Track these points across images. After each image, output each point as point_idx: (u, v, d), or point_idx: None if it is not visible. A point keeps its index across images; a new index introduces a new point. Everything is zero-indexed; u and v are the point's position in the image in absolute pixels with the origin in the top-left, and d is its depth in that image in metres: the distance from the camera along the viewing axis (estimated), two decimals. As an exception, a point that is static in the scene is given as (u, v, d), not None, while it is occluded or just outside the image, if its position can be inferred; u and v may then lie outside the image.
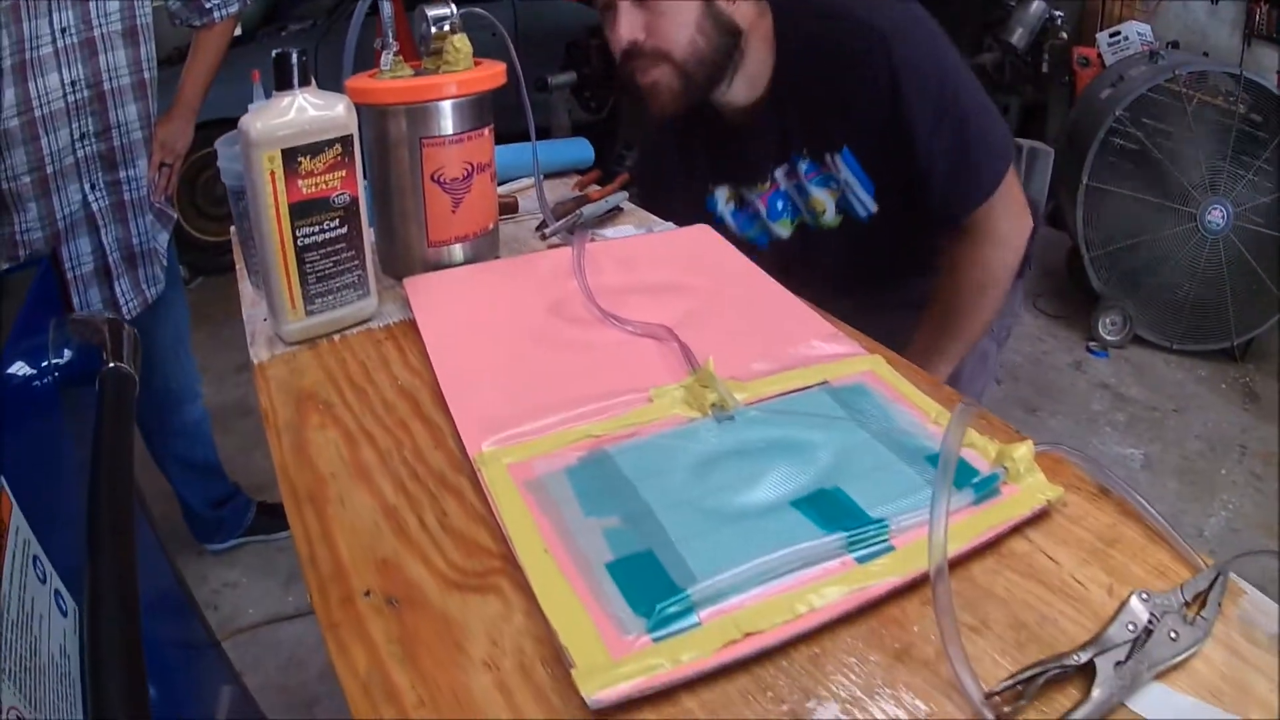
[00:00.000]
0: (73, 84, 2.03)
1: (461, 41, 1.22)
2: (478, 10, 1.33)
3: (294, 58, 1.04)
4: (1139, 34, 5.07)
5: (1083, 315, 4.37)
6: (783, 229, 1.67)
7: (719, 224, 1.65)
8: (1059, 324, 4.53)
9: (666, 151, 1.75)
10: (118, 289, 2.26)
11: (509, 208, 1.58)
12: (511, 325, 1.11)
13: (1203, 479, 3.35)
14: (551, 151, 1.84)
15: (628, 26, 1.37)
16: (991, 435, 0.84)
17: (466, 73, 1.22)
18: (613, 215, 1.58)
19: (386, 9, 1.28)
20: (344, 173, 1.07)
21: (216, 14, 2.36)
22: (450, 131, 1.22)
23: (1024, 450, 0.78)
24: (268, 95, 1.06)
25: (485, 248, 1.32)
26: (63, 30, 1.98)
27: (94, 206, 2.17)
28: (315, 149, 1.05)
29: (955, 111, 1.45)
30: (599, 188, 1.71)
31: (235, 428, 3.54)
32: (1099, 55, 4.99)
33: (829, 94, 1.46)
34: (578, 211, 1.49)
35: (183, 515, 2.94)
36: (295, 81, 1.05)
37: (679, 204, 1.62)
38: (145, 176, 2.25)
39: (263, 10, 5.87)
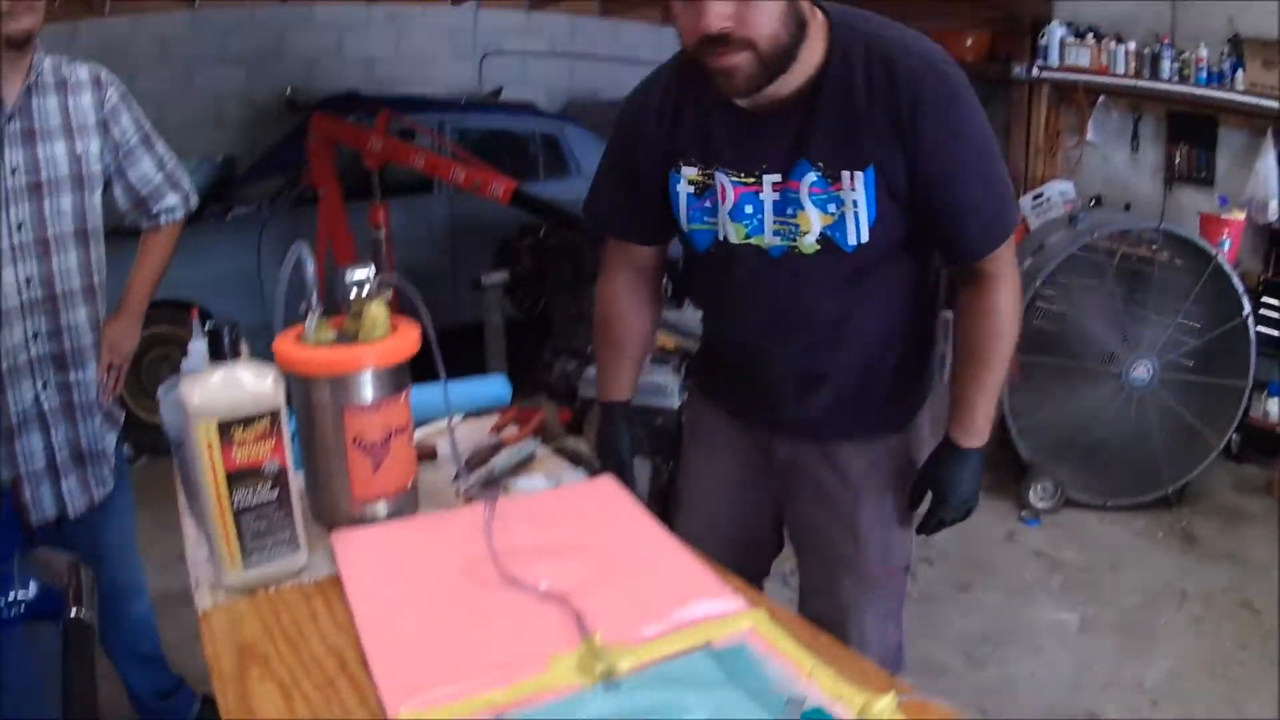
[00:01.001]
0: (27, 281, 2.13)
1: (378, 309, 1.36)
2: (392, 279, 1.45)
3: (226, 334, 1.20)
4: (1061, 193, 5.31)
5: (1013, 484, 4.38)
6: (735, 234, 1.62)
7: (671, 200, 1.68)
8: (989, 495, 4.48)
9: (650, 111, 1.68)
10: (64, 487, 2.31)
11: (427, 454, 1.68)
12: (429, 586, 1.23)
13: (1142, 631, 3.40)
14: (467, 392, 1.94)
15: (719, 15, 1.35)
16: (864, 684, 0.95)
17: (384, 343, 1.36)
18: (525, 464, 1.68)
19: (309, 267, 1.43)
20: (273, 441, 1.22)
21: (163, 219, 2.44)
22: (369, 400, 1.35)
23: (887, 701, 0.89)
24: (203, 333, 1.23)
25: (406, 503, 1.45)
26: (18, 226, 2.09)
27: (44, 405, 2.23)
28: (247, 421, 1.20)
29: (990, 149, 1.55)
30: (516, 428, 1.82)
31: (179, 616, 3.51)
32: (1024, 219, 5.18)
33: (877, 107, 1.47)
34: (490, 465, 1.60)
35: (130, 703, 2.94)
36: (228, 354, 1.20)
37: (643, 166, 1.68)
38: (94, 380, 2.32)
39: (211, 187, 6.06)
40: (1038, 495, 4.29)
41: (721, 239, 1.64)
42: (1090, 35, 5.64)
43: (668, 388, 3.23)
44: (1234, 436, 4.47)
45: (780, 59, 1.42)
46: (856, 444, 1.78)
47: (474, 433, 1.81)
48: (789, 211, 1.56)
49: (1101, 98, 5.78)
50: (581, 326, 3.86)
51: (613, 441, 1.91)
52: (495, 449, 1.68)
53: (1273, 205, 4.84)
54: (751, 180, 1.57)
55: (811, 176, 1.52)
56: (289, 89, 6.89)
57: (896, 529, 1.82)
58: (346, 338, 1.37)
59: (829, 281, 1.61)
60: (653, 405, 3.18)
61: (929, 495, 1.78)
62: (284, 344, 1.36)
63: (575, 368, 3.39)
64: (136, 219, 2.45)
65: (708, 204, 1.63)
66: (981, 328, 1.66)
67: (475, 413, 1.93)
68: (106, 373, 2.36)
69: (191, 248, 2.25)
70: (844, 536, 1.79)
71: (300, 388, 1.36)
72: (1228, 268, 4.17)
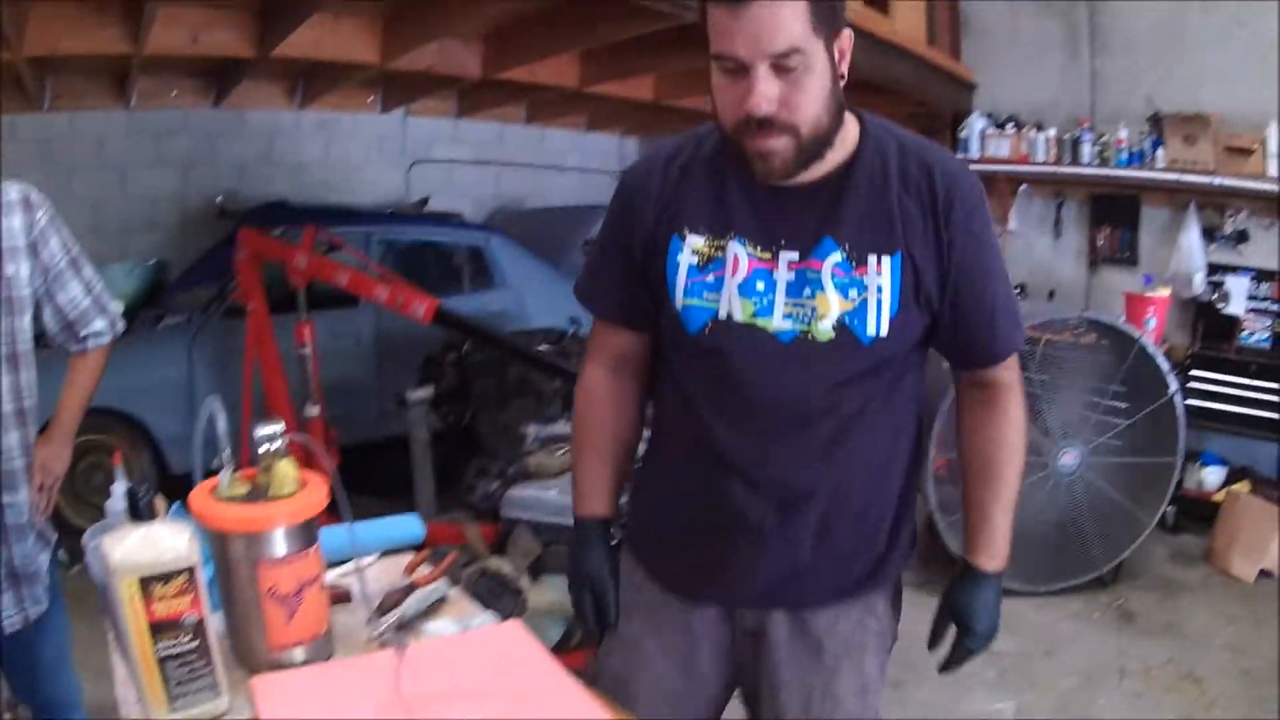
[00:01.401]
0: None
1: (287, 466, 1.40)
2: (299, 438, 1.51)
3: (141, 496, 1.28)
4: (985, 286, 5.44)
5: (942, 579, 4.37)
6: (742, 311, 1.49)
7: (667, 272, 1.55)
8: (921, 591, 4.49)
9: (655, 174, 1.60)
10: None
11: (342, 596, 1.69)
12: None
13: (1081, 713, 3.43)
14: (380, 532, 1.95)
15: (766, 98, 1.33)
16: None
17: (293, 500, 1.40)
18: (437, 606, 1.68)
19: (220, 424, 1.47)
20: (191, 596, 1.29)
21: (91, 342, 2.44)
22: (282, 554, 1.40)
23: None
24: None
25: (321, 648, 1.49)
26: None
27: None
28: (166, 577, 1.27)
29: (1002, 260, 1.56)
30: (429, 568, 1.82)
31: (114, 727, 3.47)
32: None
33: (911, 195, 1.47)
34: (402, 609, 1.63)
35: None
36: (146, 515, 1.29)
37: (640, 234, 1.58)
38: (26, 502, 2.30)
39: (144, 292, 6.07)
40: (968, 589, 4.29)
41: (723, 318, 1.50)
42: (1010, 124, 5.85)
43: None
44: (1168, 510, 4.56)
45: (819, 144, 1.41)
46: (838, 608, 1.63)
47: (388, 571, 1.82)
48: (805, 293, 1.47)
49: (1023, 186, 5.98)
50: (506, 441, 3.89)
51: (586, 567, 1.68)
52: (408, 591, 1.68)
53: (1197, 279, 5.02)
54: (767, 256, 1.49)
55: (836, 257, 1.46)
56: (220, 196, 6.97)
57: (873, 691, 1.66)
58: (259, 493, 1.41)
59: (840, 376, 1.49)
60: (570, 524, 3.13)
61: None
62: (199, 499, 1.40)
63: (498, 488, 3.42)
64: (64, 342, 2.45)
65: (710, 278, 1.52)
66: (996, 439, 1.62)
67: (391, 550, 1.94)
68: (39, 493, 2.35)
69: (123, 356, 2.28)
70: (817, 708, 1.59)
71: (216, 541, 1.41)
72: (1151, 349, 4.27)
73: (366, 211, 6.74)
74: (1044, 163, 5.70)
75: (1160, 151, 5.15)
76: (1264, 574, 4.45)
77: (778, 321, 1.48)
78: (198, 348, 5.34)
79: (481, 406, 4.95)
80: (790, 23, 1.30)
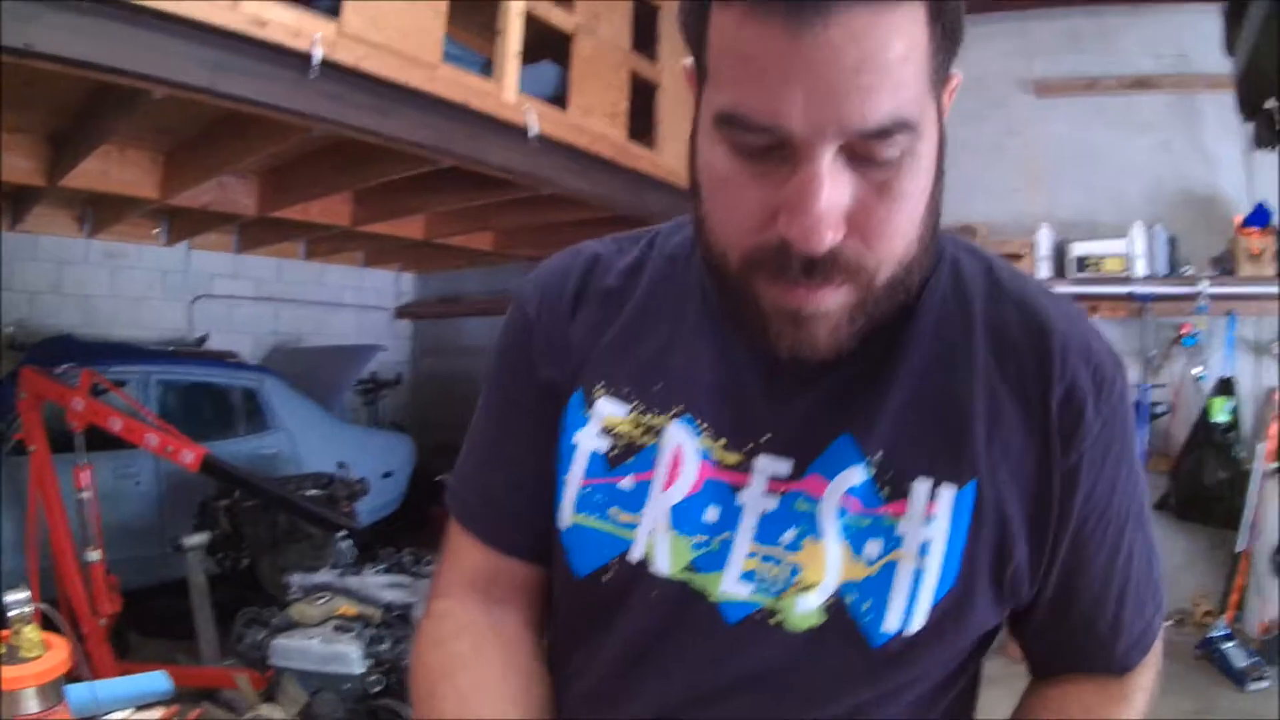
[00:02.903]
0: None
1: (32, 631, 1.59)
2: (41, 606, 1.63)
3: None
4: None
5: None
6: (670, 556, 0.89)
7: (561, 455, 0.96)
8: None
9: (565, 296, 1.01)
10: None
11: None
12: None
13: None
14: (127, 688, 2.00)
15: (832, 220, 0.74)
16: None
17: (38, 662, 1.57)
18: None
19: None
20: None
21: None
22: (34, 710, 1.53)
23: None
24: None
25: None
26: None
27: None
28: None
29: (1146, 508, 0.96)
30: None
31: None
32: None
33: (1014, 375, 0.88)
34: None
35: None
36: None
37: (537, 369, 0.99)
38: None
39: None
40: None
41: (635, 560, 0.90)
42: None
43: (349, 655, 3.32)
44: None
45: (897, 296, 0.84)
46: None
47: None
48: (789, 537, 0.88)
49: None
50: (279, 588, 4.02)
51: None
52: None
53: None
54: (735, 460, 0.90)
55: (856, 475, 0.87)
56: (11, 327, 6.88)
57: None
58: (11, 654, 1.59)
59: (817, 695, 0.88)
60: (333, 673, 3.32)
61: None
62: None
63: (265, 637, 3.46)
64: None
65: (626, 483, 0.92)
66: None
67: (142, 705, 1.97)
68: None
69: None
70: None
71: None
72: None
73: (148, 349, 6.83)
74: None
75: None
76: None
77: (729, 583, 0.88)
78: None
79: (258, 551, 5.09)
80: (906, 67, 0.71)
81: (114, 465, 5.53)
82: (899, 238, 0.78)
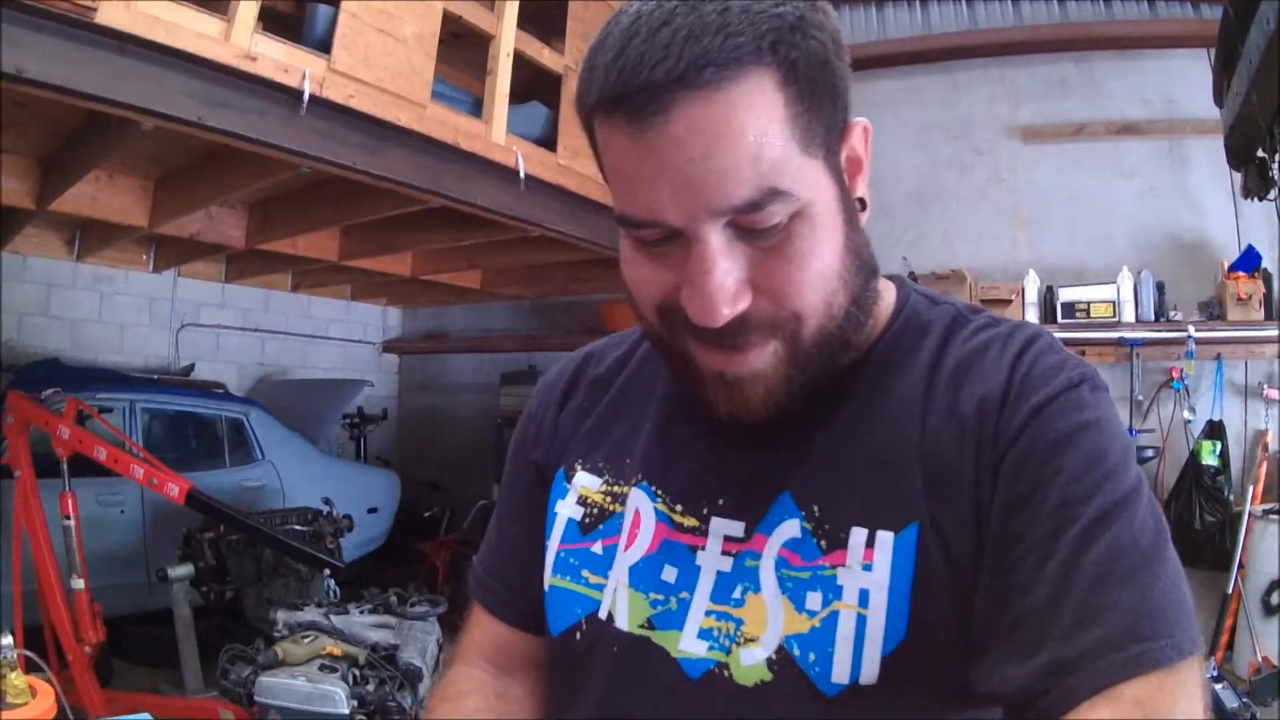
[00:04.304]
0: None
1: (17, 678, 1.69)
2: (23, 651, 1.77)
3: None
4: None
5: None
6: (628, 613, 0.95)
7: (547, 525, 1.06)
8: None
9: (557, 392, 1.15)
10: None
11: None
12: None
13: None
14: None
15: (724, 296, 0.79)
16: None
17: (27, 708, 1.68)
18: None
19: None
20: None
21: None
22: None
23: None
24: None
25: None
26: None
27: None
28: None
29: (1123, 523, 0.79)
30: None
31: None
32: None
33: (970, 417, 0.86)
34: None
35: None
36: None
37: (535, 455, 1.12)
38: None
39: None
40: None
41: (602, 618, 0.97)
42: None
43: (334, 696, 3.31)
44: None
45: (835, 345, 0.88)
46: None
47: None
48: (736, 593, 0.91)
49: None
50: (264, 621, 4.05)
51: None
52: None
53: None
54: (692, 524, 0.95)
55: (792, 529, 0.89)
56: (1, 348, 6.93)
57: None
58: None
59: None
60: (318, 713, 3.31)
61: None
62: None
63: (250, 674, 3.44)
64: None
65: (597, 547, 1.00)
66: None
67: None
68: None
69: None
70: None
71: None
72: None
73: (135, 377, 6.87)
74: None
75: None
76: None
77: (687, 641, 0.91)
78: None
79: (243, 585, 5.20)
80: (757, 139, 0.75)
81: (98, 492, 5.57)
82: (810, 292, 0.82)
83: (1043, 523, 0.79)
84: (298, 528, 5.48)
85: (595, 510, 1.01)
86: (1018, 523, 0.80)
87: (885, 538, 0.84)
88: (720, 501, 0.94)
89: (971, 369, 0.89)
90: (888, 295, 0.99)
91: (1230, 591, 5.20)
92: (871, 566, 0.84)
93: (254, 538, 4.96)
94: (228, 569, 5.14)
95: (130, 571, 5.66)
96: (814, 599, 0.85)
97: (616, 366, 1.11)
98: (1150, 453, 5.75)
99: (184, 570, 4.75)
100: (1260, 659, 4.93)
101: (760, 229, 0.79)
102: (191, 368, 7.85)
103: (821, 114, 0.80)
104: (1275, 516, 5.08)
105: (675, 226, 0.78)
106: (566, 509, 1.03)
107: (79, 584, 4.32)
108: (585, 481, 1.03)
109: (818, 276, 0.82)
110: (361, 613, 3.88)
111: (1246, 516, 5.19)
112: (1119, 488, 0.80)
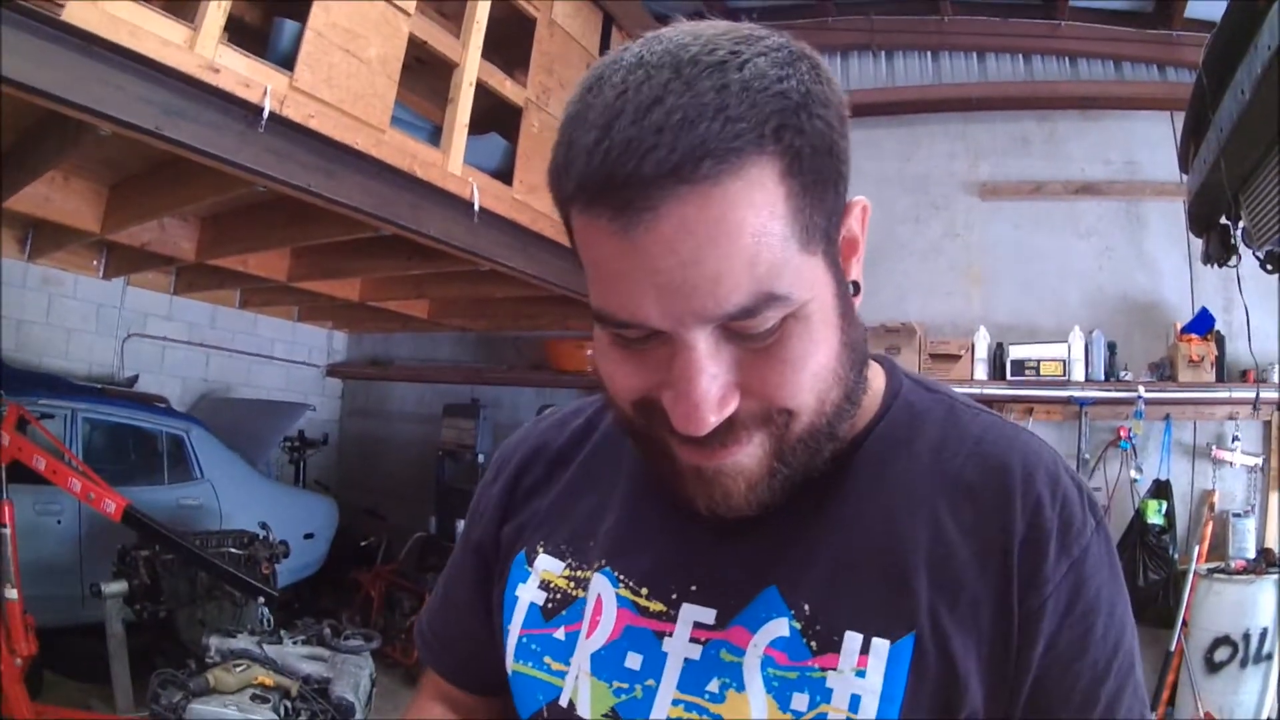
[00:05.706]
0: None
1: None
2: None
3: None
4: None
5: None
6: (590, 703, 0.93)
7: (505, 608, 1.04)
8: None
9: (518, 459, 1.14)
10: None
11: None
12: None
13: None
14: None
15: (720, 394, 0.77)
16: None
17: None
18: None
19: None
20: None
21: None
22: None
23: None
24: None
25: None
26: None
27: None
28: None
29: (1135, 665, 0.89)
30: None
31: None
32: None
33: (968, 520, 0.87)
34: None
35: None
36: None
37: (491, 526, 1.11)
38: None
39: None
40: None
41: (564, 706, 0.96)
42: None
43: None
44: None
45: (821, 441, 0.86)
46: None
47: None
48: (713, 687, 0.88)
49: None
50: (197, 642, 4.08)
51: None
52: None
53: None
54: (659, 609, 0.93)
55: (781, 628, 0.88)
56: None
57: None
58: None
59: None
60: None
61: None
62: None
63: (181, 700, 3.45)
64: None
65: (559, 633, 0.99)
66: None
67: None
68: None
69: None
70: None
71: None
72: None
73: (78, 385, 6.87)
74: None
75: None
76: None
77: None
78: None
79: (177, 605, 5.24)
80: (755, 240, 0.72)
81: (34, 500, 5.55)
82: (803, 392, 0.80)
83: (1080, 677, 0.84)
84: (233, 551, 5.51)
85: (558, 595, 0.99)
86: (1062, 680, 0.84)
87: (881, 645, 0.83)
88: (692, 588, 0.92)
89: (989, 483, 0.88)
90: (875, 381, 0.97)
91: (1173, 649, 5.31)
92: (865, 673, 0.83)
93: (189, 560, 4.99)
94: (162, 588, 5.14)
95: (64, 584, 5.64)
96: (800, 700, 0.84)
97: (577, 440, 1.10)
98: (1096, 511, 5.83)
99: (118, 587, 4.76)
100: (1203, 714, 5.07)
101: (753, 333, 0.76)
102: (135, 379, 7.83)
103: (824, 204, 0.77)
104: (1220, 575, 5.22)
105: (661, 329, 0.75)
106: (528, 593, 1.01)
107: (12, 594, 4.33)
108: (547, 565, 1.01)
109: (812, 377, 0.80)
110: (295, 643, 3.91)
111: (1192, 575, 5.33)
112: (1131, 656, 0.87)
